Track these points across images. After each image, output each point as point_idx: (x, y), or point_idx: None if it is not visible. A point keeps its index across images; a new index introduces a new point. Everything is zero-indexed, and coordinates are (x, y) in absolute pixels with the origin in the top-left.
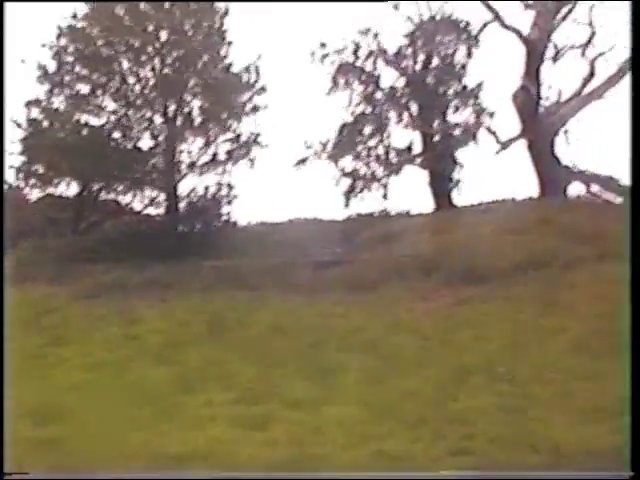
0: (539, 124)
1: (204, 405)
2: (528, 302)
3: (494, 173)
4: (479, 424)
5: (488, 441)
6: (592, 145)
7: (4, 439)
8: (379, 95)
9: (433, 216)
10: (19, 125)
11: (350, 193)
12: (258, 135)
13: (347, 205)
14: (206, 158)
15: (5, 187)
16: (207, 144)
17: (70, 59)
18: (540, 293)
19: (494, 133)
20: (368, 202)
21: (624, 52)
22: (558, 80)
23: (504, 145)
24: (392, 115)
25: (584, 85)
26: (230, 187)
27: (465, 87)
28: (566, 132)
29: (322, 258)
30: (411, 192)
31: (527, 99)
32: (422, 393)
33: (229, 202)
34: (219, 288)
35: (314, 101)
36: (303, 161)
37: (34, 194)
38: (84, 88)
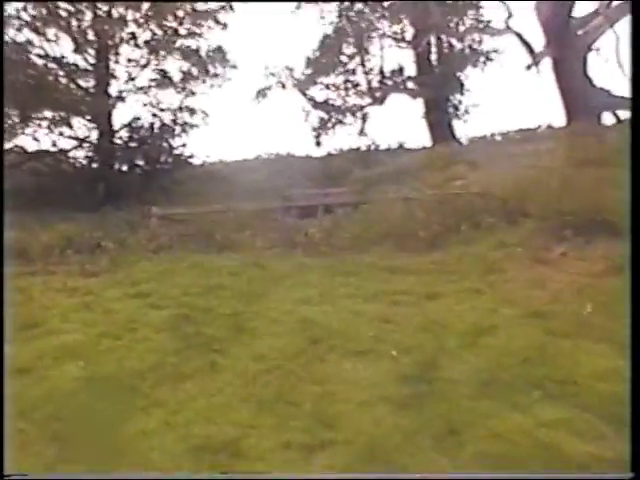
0: (569, 37)
1: None
2: None
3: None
4: None
5: None
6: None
7: (4, 439)
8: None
9: (447, 148)
10: None
11: (322, 128)
12: (221, 49)
13: (318, 142)
14: (150, 76)
15: None
16: (152, 54)
17: None
18: None
19: (527, 44)
20: (341, 139)
21: None
22: None
23: (535, 61)
24: (375, 32)
25: None
26: (191, 111)
27: None
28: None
29: (316, 201)
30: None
31: (555, 7)
32: None
33: (183, 131)
34: (178, 248)
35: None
36: (264, 91)
37: None
38: None
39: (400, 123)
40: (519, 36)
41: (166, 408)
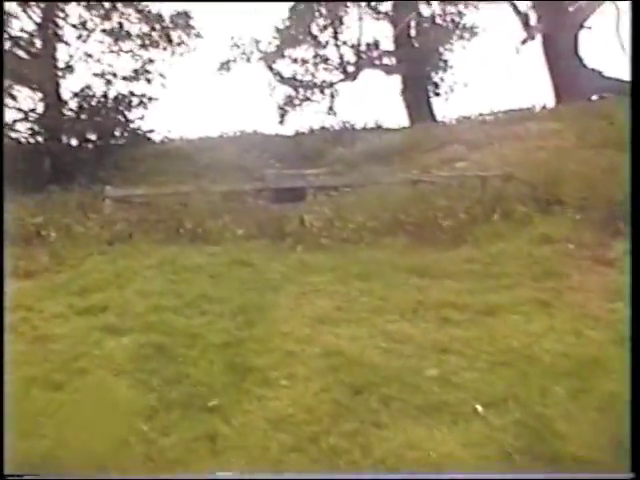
0: (560, 14)
1: None
2: None
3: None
4: None
5: None
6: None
7: (4, 439)
8: None
9: (433, 128)
10: None
11: (288, 104)
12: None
13: (282, 120)
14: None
15: None
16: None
17: None
18: None
19: (525, 16)
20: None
21: None
22: None
23: (529, 35)
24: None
25: None
26: (147, 76)
27: None
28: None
29: (296, 182)
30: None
31: None
32: None
33: (140, 102)
34: (139, 239)
35: None
36: (228, 64)
37: None
38: None
39: (372, 101)
40: (514, 6)
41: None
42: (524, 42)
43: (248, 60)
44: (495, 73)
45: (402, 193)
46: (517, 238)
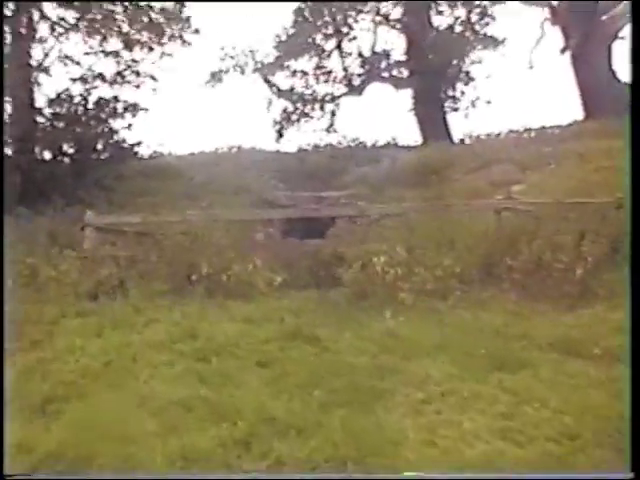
0: (592, 23)
1: None
2: None
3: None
4: None
5: None
6: None
7: (4, 439)
8: None
9: (460, 147)
10: None
11: (286, 120)
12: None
13: (280, 136)
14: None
15: None
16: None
17: None
18: None
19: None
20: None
21: None
22: None
23: (568, 43)
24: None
25: None
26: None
27: None
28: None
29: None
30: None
31: None
32: None
33: (125, 110)
34: (135, 289)
35: None
36: (220, 74)
37: None
38: None
39: (378, 117)
40: (553, 12)
41: None
42: (563, 51)
43: (242, 72)
44: (509, 87)
45: (482, 225)
46: None
